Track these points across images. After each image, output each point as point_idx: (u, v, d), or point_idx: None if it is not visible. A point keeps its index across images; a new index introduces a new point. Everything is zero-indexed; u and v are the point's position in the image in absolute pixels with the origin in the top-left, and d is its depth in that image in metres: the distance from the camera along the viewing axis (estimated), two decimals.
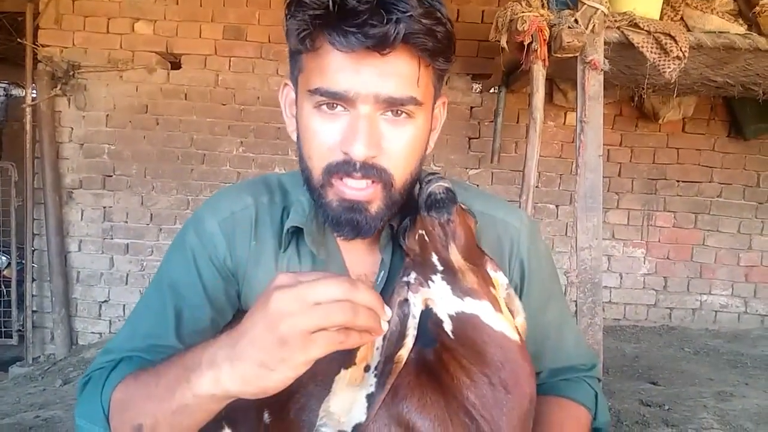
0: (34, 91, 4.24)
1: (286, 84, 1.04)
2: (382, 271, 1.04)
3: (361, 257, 1.06)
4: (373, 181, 0.91)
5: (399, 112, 0.90)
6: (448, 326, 0.88)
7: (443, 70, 0.96)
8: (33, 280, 4.29)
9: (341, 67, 0.86)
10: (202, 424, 0.79)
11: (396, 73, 0.87)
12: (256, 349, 0.67)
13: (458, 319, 0.87)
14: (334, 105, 0.89)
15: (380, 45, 0.83)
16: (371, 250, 1.06)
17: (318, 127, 0.91)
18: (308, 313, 0.65)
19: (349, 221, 0.93)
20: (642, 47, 2.57)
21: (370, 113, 0.88)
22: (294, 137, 1.01)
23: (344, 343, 0.68)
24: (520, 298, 1.09)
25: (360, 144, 0.87)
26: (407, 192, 0.97)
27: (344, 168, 0.89)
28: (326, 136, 0.90)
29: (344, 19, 0.82)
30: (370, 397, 0.85)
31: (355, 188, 0.91)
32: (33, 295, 4.29)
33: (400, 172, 0.93)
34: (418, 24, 0.84)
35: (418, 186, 0.96)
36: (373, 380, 0.86)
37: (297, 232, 1.03)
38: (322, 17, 0.84)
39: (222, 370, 0.70)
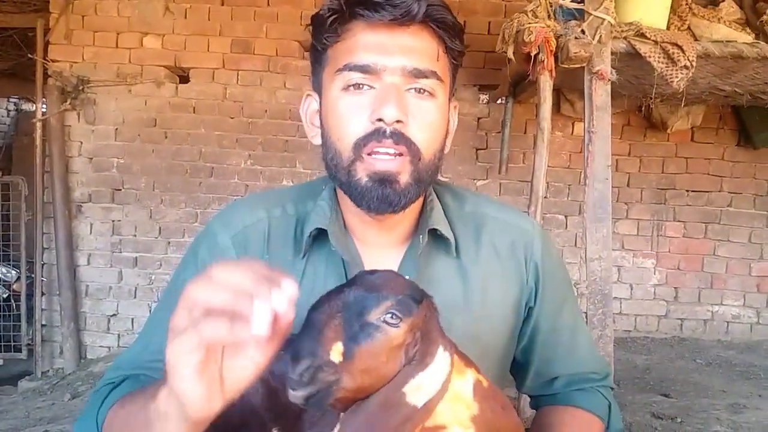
0: (44, 106, 4.28)
1: (308, 95, 1.08)
2: (406, 276, 1.02)
3: (380, 261, 1.04)
4: (401, 153, 0.93)
5: (422, 90, 0.95)
6: None
7: (457, 63, 1.02)
8: (42, 294, 4.30)
9: (369, 43, 0.93)
10: None
11: (419, 47, 0.94)
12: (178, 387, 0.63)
13: None
14: (361, 85, 0.93)
15: (406, 16, 0.91)
16: (391, 252, 1.06)
17: (347, 105, 0.95)
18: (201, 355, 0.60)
19: (380, 195, 0.94)
20: (649, 57, 2.57)
21: (398, 84, 0.93)
22: (316, 142, 1.04)
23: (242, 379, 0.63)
24: (535, 301, 1.11)
25: (391, 106, 0.90)
26: (432, 176, 1.00)
27: (375, 137, 0.92)
28: (356, 113, 0.94)
29: None
30: None
31: (385, 158, 0.93)
32: (42, 309, 4.30)
33: (426, 147, 0.96)
34: (436, 4, 0.94)
35: None
36: None
37: (317, 237, 1.02)
38: None
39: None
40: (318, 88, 1.02)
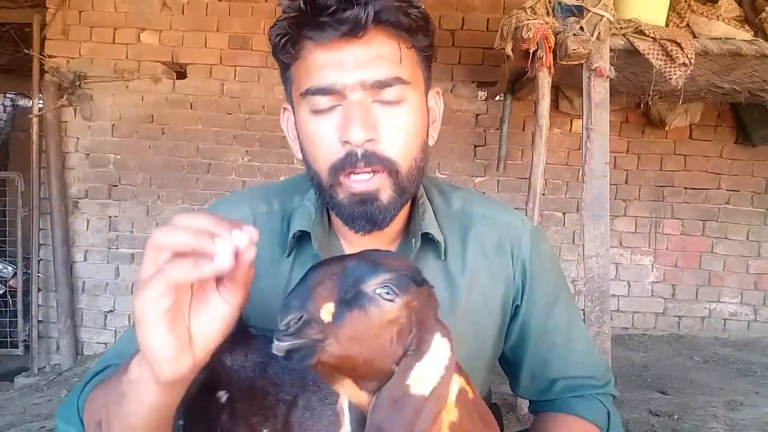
0: (41, 102, 4.27)
1: (285, 108, 1.06)
2: None
3: None
4: (376, 171, 0.91)
5: (388, 101, 0.91)
6: None
7: (427, 54, 0.98)
8: (39, 290, 4.29)
9: (324, 63, 0.89)
10: (148, 421, 0.72)
11: (377, 56, 0.90)
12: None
13: None
14: (329, 106, 0.91)
15: (355, 29, 0.86)
16: None
17: (316, 128, 0.93)
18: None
19: (363, 214, 0.93)
20: (648, 54, 2.56)
21: (361, 100, 0.90)
22: (299, 156, 1.02)
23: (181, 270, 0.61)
24: (522, 299, 1.09)
25: (356, 127, 0.88)
26: (416, 182, 0.98)
27: (348, 161, 0.90)
28: (325, 135, 0.92)
29: (317, 14, 0.87)
30: None
31: (361, 180, 0.91)
32: (39, 305, 4.29)
33: (402, 157, 0.93)
34: (388, 3, 0.88)
35: None
36: None
37: (302, 237, 1.02)
38: (297, 18, 0.89)
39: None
40: (290, 102, 1.01)
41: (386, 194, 0.93)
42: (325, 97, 0.90)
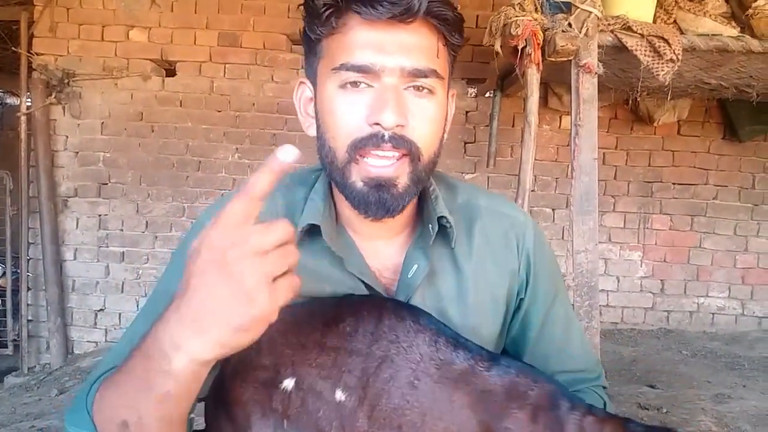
0: (29, 100, 4.24)
1: (302, 82, 1.04)
2: (416, 265, 1.01)
3: (377, 252, 1.04)
4: (402, 155, 0.91)
5: (421, 88, 0.92)
6: None
7: (455, 54, 0.99)
8: (28, 289, 4.27)
9: (366, 42, 0.89)
10: (188, 408, 0.76)
11: (418, 45, 0.91)
12: (226, 315, 0.65)
13: None
14: (358, 83, 0.91)
15: (406, 14, 0.87)
16: (386, 244, 1.05)
17: (343, 105, 0.92)
18: (268, 262, 0.66)
19: (377, 200, 0.93)
20: (636, 50, 2.58)
21: (396, 84, 0.90)
22: (311, 133, 1.02)
23: (297, 284, 0.69)
24: (526, 292, 1.10)
25: (390, 111, 0.88)
26: (430, 174, 0.99)
27: (372, 141, 0.90)
28: (353, 113, 0.91)
29: None
30: None
31: (381, 165, 0.91)
32: (28, 305, 4.27)
33: (426, 145, 0.94)
34: None
35: None
36: None
37: (309, 231, 1.00)
38: None
39: (191, 346, 0.67)
40: (312, 77, 0.99)
41: (403, 182, 0.93)
42: (360, 75, 0.90)
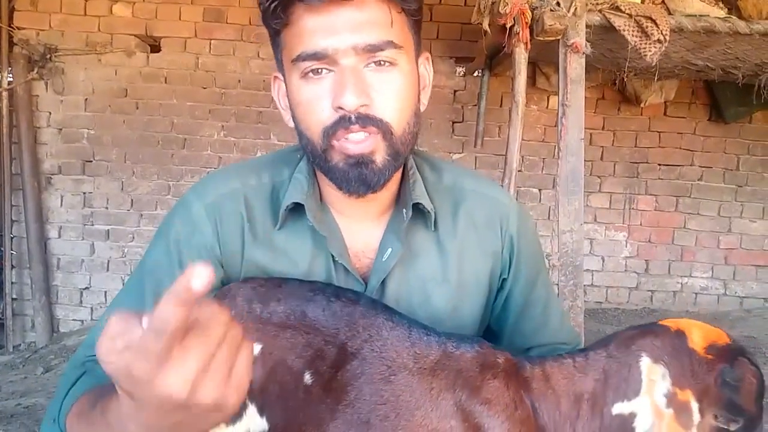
0: (11, 75, 4.16)
1: (276, 77, 1.05)
2: (389, 248, 1.02)
3: (359, 233, 1.05)
4: (371, 133, 0.91)
5: (382, 62, 0.91)
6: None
7: (417, 18, 0.98)
8: (12, 267, 4.24)
9: (316, 28, 0.89)
10: None
11: (369, 21, 0.89)
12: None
13: None
14: (320, 70, 0.91)
15: None
16: (369, 225, 1.06)
17: (308, 94, 0.92)
18: (173, 375, 0.50)
19: (358, 176, 0.93)
20: (623, 30, 2.57)
21: (354, 65, 0.90)
22: (291, 125, 1.02)
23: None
24: (509, 273, 1.12)
25: (349, 93, 0.88)
26: (410, 146, 0.99)
27: (341, 125, 0.90)
28: (318, 100, 0.91)
29: None
30: None
31: (357, 140, 0.91)
32: (12, 283, 4.24)
33: (396, 120, 0.94)
34: None
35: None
36: None
37: (294, 210, 1.01)
38: None
39: None
40: (281, 70, 1.00)
41: (381, 156, 0.93)
42: (317, 63, 0.90)
